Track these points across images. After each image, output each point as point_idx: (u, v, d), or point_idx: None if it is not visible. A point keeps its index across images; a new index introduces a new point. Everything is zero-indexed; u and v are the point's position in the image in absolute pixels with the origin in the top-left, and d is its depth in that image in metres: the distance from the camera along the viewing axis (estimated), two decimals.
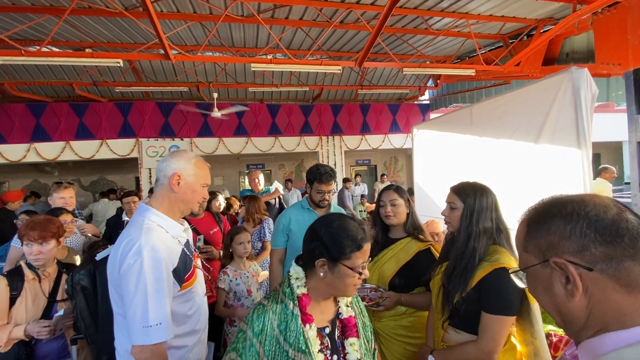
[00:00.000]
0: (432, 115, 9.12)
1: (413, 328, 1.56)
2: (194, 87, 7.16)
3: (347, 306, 1.05)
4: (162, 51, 4.07)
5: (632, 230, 0.48)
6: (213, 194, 3.44)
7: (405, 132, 9.07)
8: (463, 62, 6.94)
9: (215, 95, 6.61)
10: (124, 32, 4.96)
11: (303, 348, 0.87)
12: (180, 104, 7.46)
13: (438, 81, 8.05)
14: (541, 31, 4.99)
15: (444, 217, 1.39)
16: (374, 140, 9.03)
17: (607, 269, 0.48)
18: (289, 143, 8.31)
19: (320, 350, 0.92)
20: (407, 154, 10.79)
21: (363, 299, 1.58)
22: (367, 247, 0.97)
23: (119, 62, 3.98)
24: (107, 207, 6.74)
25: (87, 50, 4.90)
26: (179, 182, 1.21)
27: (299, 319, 0.90)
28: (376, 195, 2.26)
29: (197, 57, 4.64)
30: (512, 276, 0.66)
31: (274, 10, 4.47)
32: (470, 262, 1.23)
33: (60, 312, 1.66)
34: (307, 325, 0.91)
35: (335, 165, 8.83)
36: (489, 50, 6.36)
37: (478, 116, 3.55)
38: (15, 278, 1.66)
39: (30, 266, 1.73)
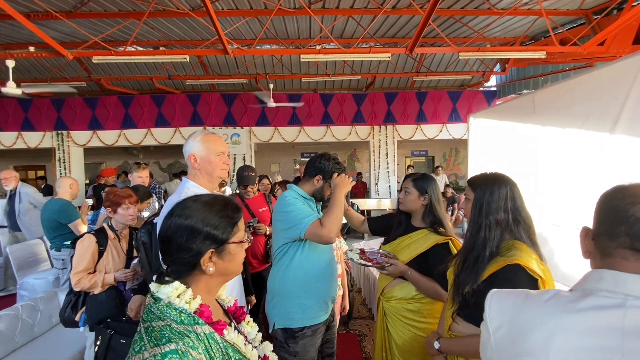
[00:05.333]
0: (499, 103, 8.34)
1: (419, 313, 1.61)
2: (253, 78, 7.65)
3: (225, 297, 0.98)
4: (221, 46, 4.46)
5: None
6: (261, 177, 3.76)
7: (466, 122, 8.47)
8: (537, 43, 6.19)
9: (272, 86, 6.98)
10: (193, 30, 5.52)
11: (237, 357, 0.78)
12: (242, 94, 8.03)
13: (506, 65, 7.32)
14: (634, 3, 4.23)
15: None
16: (430, 130, 8.62)
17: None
18: (340, 132, 8.40)
19: (244, 343, 0.84)
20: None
21: (370, 260, 1.63)
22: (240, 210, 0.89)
23: (185, 58, 4.49)
24: (178, 186, 7.72)
25: (161, 48, 5.59)
26: (195, 160, 1.47)
27: (215, 335, 0.75)
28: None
29: (251, 51, 4.98)
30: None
31: (324, 1, 4.55)
32: (481, 254, 1.21)
33: (136, 260, 2.09)
34: (225, 331, 0.78)
35: (387, 155, 8.68)
36: (568, 29, 5.59)
37: (542, 103, 3.22)
38: (101, 236, 2.11)
39: (111, 228, 2.16)
